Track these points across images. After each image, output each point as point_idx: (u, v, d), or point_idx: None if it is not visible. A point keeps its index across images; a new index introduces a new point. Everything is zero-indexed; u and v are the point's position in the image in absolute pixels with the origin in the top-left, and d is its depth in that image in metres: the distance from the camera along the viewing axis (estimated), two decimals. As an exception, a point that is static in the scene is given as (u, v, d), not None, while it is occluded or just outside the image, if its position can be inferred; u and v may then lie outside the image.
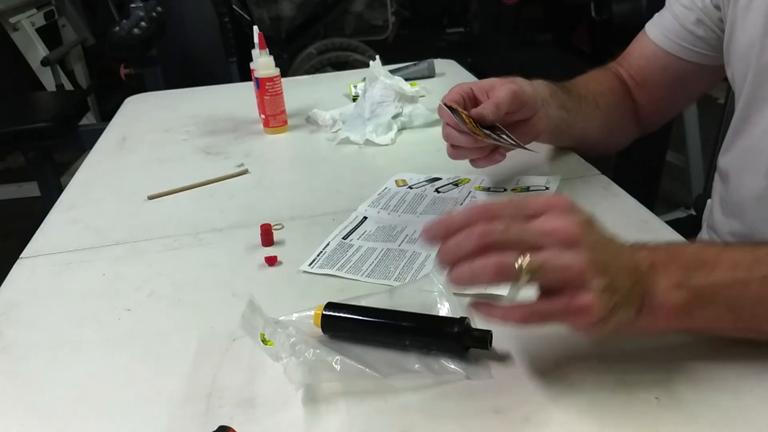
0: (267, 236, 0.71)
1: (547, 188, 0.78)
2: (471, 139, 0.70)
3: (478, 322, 0.54)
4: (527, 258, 0.41)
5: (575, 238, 0.42)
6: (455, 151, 0.74)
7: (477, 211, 0.44)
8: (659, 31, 0.84)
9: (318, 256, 0.67)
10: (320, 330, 0.54)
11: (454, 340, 0.50)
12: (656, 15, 0.86)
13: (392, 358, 0.51)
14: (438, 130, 1.03)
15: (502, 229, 0.42)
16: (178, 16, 2.53)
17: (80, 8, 3.18)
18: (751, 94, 0.73)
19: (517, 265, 0.41)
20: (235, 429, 0.44)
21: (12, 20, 2.70)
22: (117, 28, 2.17)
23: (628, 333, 0.46)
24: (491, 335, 0.50)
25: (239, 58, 2.61)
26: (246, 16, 2.74)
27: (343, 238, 0.71)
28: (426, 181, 0.84)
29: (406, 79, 1.09)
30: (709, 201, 0.87)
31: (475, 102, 0.73)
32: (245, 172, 0.92)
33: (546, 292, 0.43)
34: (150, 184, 0.89)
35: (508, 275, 0.41)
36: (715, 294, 0.46)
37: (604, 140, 0.89)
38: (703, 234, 0.87)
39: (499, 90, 0.70)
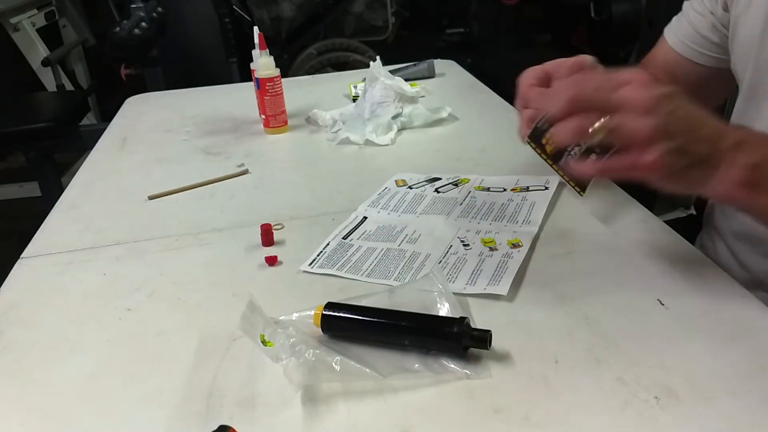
0: (267, 236, 0.71)
1: (546, 188, 0.78)
2: None
3: (477, 322, 0.54)
4: (602, 120, 0.48)
5: (650, 107, 0.47)
6: None
7: (568, 81, 0.52)
8: (677, 38, 0.85)
9: (318, 256, 0.68)
10: (320, 330, 0.54)
11: (453, 340, 0.50)
12: (674, 19, 0.86)
13: (392, 358, 0.51)
14: (438, 130, 1.04)
15: (586, 95, 0.49)
16: (179, 17, 2.53)
17: (81, 9, 3.19)
18: (752, 88, 0.73)
19: (591, 129, 0.48)
20: (235, 429, 0.44)
21: (13, 20, 2.70)
22: (117, 29, 2.17)
23: (700, 193, 0.53)
24: (491, 335, 0.50)
25: (239, 58, 2.61)
26: (246, 16, 2.73)
27: (343, 238, 0.71)
28: (426, 181, 0.84)
29: (406, 80, 1.09)
30: (710, 200, 0.87)
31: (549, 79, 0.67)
32: (245, 172, 0.92)
33: (619, 151, 0.50)
34: (150, 184, 0.89)
35: (584, 134, 0.48)
36: None
37: None
38: (705, 233, 0.88)
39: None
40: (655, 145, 0.47)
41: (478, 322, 0.55)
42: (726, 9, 0.77)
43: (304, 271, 0.65)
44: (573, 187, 0.62)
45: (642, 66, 0.90)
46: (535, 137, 0.59)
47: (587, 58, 0.65)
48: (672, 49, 0.85)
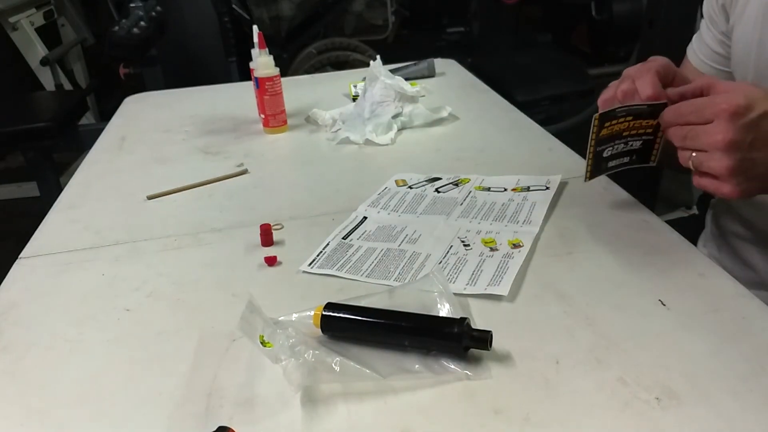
0: (267, 236, 0.71)
1: (547, 188, 0.78)
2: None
3: (478, 323, 0.54)
4: (693, 155, 0.57)
5: (729, 147, 0.53)
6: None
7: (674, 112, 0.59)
8: (697, 57, 0.85)
9: (318, 256, 0.67)
10: (320, 330, 0.54)
11: (454, 340, 0.50)
12: (694, 37, 0.86)
13: (392, 358, 0.51)
14: (438, 130, 1.04)
15: (684, 135, 0.57)
16: (178, 16, 2.52)
17: (79, 8, 3.18)
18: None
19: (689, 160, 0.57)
20: (235, 429, 0.44)
21: (11, 20, 2.70)
22: (116, 28, 2.17)
23: None
24: (491, 335, 0.50)
25: (239, 57, 2.61)
26: (246, 15, 2.73)
27: (342, 238, 0.71)
28: (426, 181, 0.84)
29: (406, 79, 1.09)
30: (713, 200, 0.87)
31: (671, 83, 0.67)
32: (245, 171, 0.92)
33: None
34: (149, 184, 0.89)
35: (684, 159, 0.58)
36: None
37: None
38: (708, 233, 0.88)
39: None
40: (728, 180, 0.55)
41: (478, 323, 0.55)
42: (728, 20, 0.77)
43: (304, 272, 0.65)
44: (587, 170, 0.67)
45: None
46: (605, 117, 0.64)
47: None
48: (694, 68, 0.85)
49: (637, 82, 0.63)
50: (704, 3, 0.81)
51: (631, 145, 0.66)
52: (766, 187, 0.56)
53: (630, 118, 0.64)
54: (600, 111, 0.64)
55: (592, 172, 0.67)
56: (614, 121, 0.64)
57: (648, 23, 1.79)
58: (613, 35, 2.80)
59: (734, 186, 0.55)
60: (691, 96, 0.60)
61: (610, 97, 0.65)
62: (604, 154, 0.67)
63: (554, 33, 3.36)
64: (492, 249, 0.66)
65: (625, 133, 0.66)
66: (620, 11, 2.73)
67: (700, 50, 0.84)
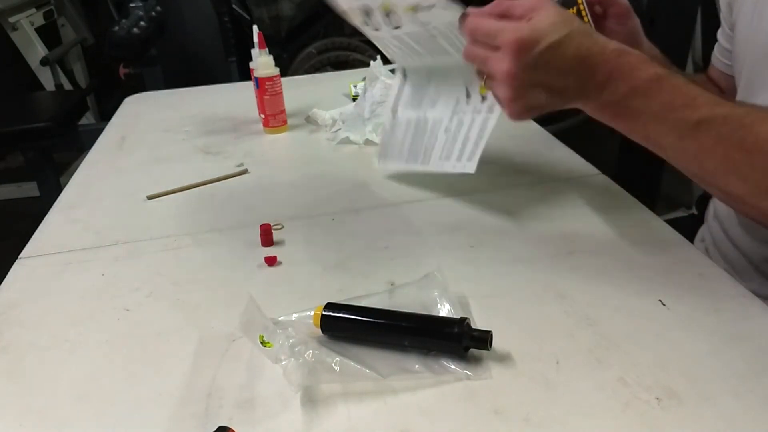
0: (267, 236, 0.71)
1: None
2: None
3: (478, 323, 0.54)
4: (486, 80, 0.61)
5: (510, 78, 0.57)
6: None
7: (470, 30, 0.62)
8: (715, 56, 0.86)
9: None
10: (320, 330, 0.54)
11: (454, 340, 0.50)
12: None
13: (392, 358, 0.51)
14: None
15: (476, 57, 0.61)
16: (178, 16, 2.53)
17: (79, 8, 3.18)
18: (748, 85, 0.74)
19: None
20: (234, 429, 0.44)
21: (11, 20, 2.70)
22: (116, 28, 2.17)
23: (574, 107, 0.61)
24: (491, 335, 0.50)
25: (239, 57, 2.61)
26: (245, 15, 2.73)
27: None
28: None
29: (406, 79, 1.08)
30: (711, 200, 0.87)
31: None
32: (245, 171, 0.92)
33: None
34: (149, 184, 0.89)
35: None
36: (638, 113, 0.57)
37: None
38: (705, 226, 0.88)
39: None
40: (511, 106, 0.59)
41: (478, 323, 0.55)
42: (731, 13, 0.78)
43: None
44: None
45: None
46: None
47: None
48: (715, 67, 0.86)
49: None
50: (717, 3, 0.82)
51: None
52: (542, 113, 0.60)
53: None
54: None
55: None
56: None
57: (649, 21, 1.79)
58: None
59: (510, 112, 0.59)
60: (493, 13, 0.62)
61: None
62: None
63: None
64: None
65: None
66: (620, 11, 2.72)
67: (717, 49, 0.85)
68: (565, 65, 0.57)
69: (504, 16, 0.60)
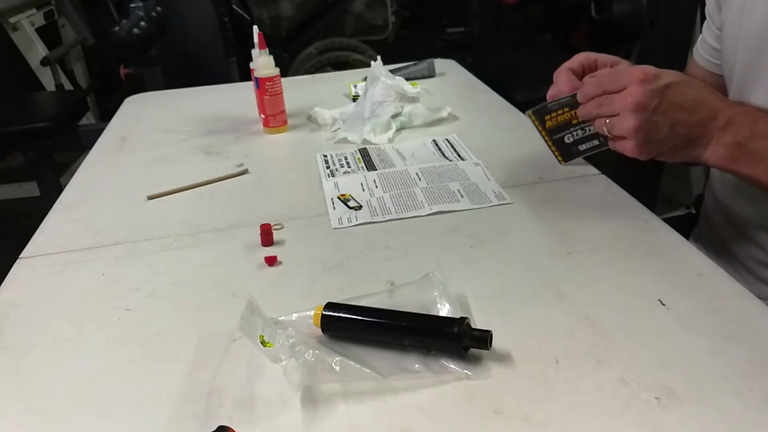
0: (267, 236, 0.71)
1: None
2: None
3: (477, 323, 0.54)
4: (606, 121, 0.63)
5: (637, 107, 0.59)
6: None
7: (589, 81, 0.67)
8: (698, 53, 0.86)
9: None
10: (320, 330, 0.54)
11: (454, 340, 0.50)
12: (700, 36, 0.87)
13: (392, 358, 0.51)
14: (438, 130, 1.04)
15: (595, 94, 0.64)
16: (178, 16, 2.52)
17: (80, 8, 3.18)
18: (738, 88, 0.74)
19: (603, 126, 0.64)
20: (234, 429, 0.44)
21: (12, 20, 2.69)
22: (117, 28, 2.17)
23: (694, 162, 0.64)
24: (491, 335, 0.50)
25: (239, 57, 2.61)
26: (246, 15, 2.73)
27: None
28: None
29: (407, 79, 1.08)
30: (706, 195, 0.88)
31: (594, 69, 0.73)
32: (245, 172, 0.92)
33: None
34: (150, 184, 0.89)
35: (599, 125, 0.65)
36: (759, 156, 0.60)
37: None
38: (699, 226, 0.88)
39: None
40: (635, 138, 0.61)
41: (478, 323, 0.55)
42: (719, 12, 0.78)
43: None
44: (557, 156, 0.75)
45: None
46: (539, 112, 0.72)
47: (613, 58, 0.73)
48: (698, 65, 0.86)
49: (556, 84, 0.71)
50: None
51: (590, 130, 0.71)
52: (662, 151, 0.62)
53: (567, 109, 0.71)
54: (531, 109, 0.73)
55: (564, 157, 0.75)
56: (553, 114, 0.72)
57: (649, 22, 1.79)
58: (613, 35, 2.79)
59: (635, 144, 0.61)
60: (578, 65, 0.69)
61: (551, 94, 0.72)
62: (566, 140, 0.73)
63: (554, 33, 3.36)
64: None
65: (574, 122, 0.71)
66: (620, 11, 2.73)
67: (702, 46, 0.85)
68: (687, 102, 0.60)
69: (591, 62, 0.69)
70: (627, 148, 0.62)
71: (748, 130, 0.60)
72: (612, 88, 0.62)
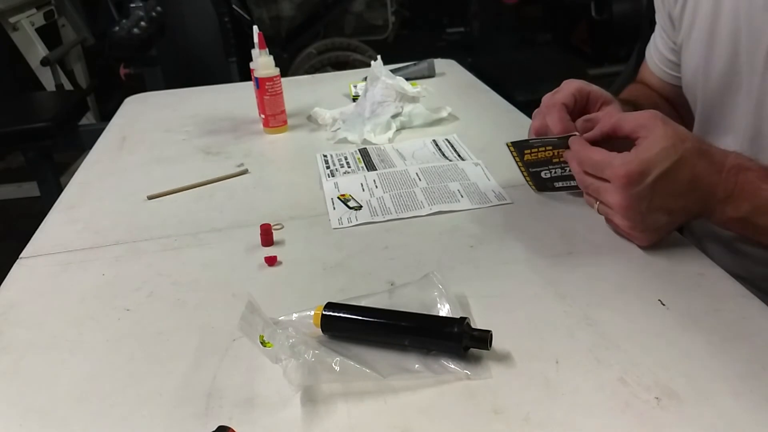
0: (267, 236, 0.71)
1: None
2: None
3: (477, 322, 0.54)
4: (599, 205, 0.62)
5: (626, 211, 0.58)
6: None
7: (575, 154, 0.63)
8: (652, 60, 0.85)
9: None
10: (320, 330, 0.54)
11: (454, 340, 0.50)
12: (651, 40, 0.86)
13: (392, 358, 0.51)
14: (438, 130, 1.04)
15: (586, 184, 0.62)
16: (178, 16, 2.53)
17: (80, 8, 3.18)
18: (703, 122, 0.73)
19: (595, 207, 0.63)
20: (235, 429, 0.44)
21: (12, 20, 2.69)
22: (117, 28, 2.17)
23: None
24: (491, 335, 0.50)
25: (239, 57, 2.61)
26: (246, 15, 2.73)
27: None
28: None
29: (407, 79, 1.08)
30: None
31: (585, 104, 0.70)
32: (245, 172, 0.92)
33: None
34: (149, 184, 0.89)
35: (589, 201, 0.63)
36: (764, 230, 0.58)
37: None
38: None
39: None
40: (634, 235, 0.60)
41: (478, 323, 0.55)
42: (676, 30, 0.77)
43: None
44: (530, 185, 0.75)
45: (637, 83, 0.90)
46: (519, 145, 0.71)
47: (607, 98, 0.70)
48: (651, 72, 0.85)
49: (547, 118, 0.67)
50: (656, 9, 0.81)
51: (569, 171, 0.68)
52: (672, 230, 0.61)
53: (550, 147, 0.69)
54: (509, 141, 0.71)
55: (537, 187, 0.74)
56: (534, 150, 0.69)
57: (648, 22, 1.80)
58: (613, 35, 2.79)
59: (635, 238, 0.60)
60: (600, 136, 0.62)
61: (535, 126, 0.70)
62: (543, 175, 0.73)
63: (554, 33, 3.36)
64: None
65: (555, 160, 0.70)
66: (620, 11, 2.73)
67: (656, 53, 0.84)
68: (681, 188, 0.56)
69: (613, 133, 0.60)
70: (634, 241, 0.61)
71: (749, 206, 0.57)
72: (595, 175, 0.59)
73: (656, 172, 0.55)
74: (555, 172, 0.71)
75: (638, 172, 0.55)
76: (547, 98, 0.69)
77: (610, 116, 0.62)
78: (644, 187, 0.55)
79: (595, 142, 0.62)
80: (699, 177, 0.56)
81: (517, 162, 0.73)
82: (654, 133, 0.56)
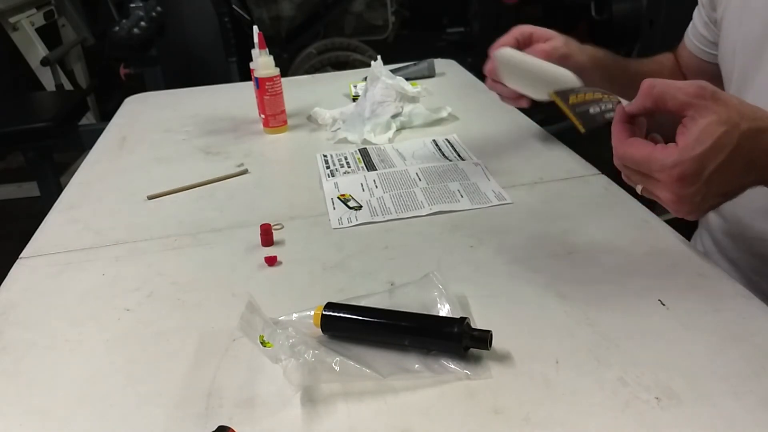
0: (267, 236, 0.71)
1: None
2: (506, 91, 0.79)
3: (477, 322, 0.54)
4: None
5: (679, 204, 0.53)
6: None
7: (619, 149, 0.57)
8: (688, 38, 0.86)
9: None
10: (320, 330, 0.54)
11: (454, 340, 0.50)
12: (691, 22, 0.87)
13: (392, 358, 0.51)
14: (438, 130, 1.04)
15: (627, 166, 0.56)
16: (178, 16, 2.52)
17: (80, 8, 3.18)
18: (742, 75, 0.74)
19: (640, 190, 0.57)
20: (235, 429, 0.44)
21: (12, 20, 2.69)
22: (117, 28, 2.17)
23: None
24: (491, 335, 0.50)
25: (239, 57, 2.61)
26: (246, 15, 2.73)
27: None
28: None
29: (407, 79, 1.08)
30: None
31: (529, 44, 0.75)
32: (245, 172, 0.92)
33: None
34: (150, 184, 0.89)
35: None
36: None
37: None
38: (698, 232, 0.88)
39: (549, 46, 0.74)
40: (686, 216, 0.55)
41: (478, 323, 0.55)
42: (713, 8, 0.78)
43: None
44: (578, 125, 0.68)
45: (675, 63, 0.92)
46: (564, 94, 0.67)
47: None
48: (690, 52, 0.86)
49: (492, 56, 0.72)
50: None
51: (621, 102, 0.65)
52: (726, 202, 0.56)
53: (598, 92, 0.65)
54: (555, 90, 0.68)
55: (585, 125, 0.67)
56: (580, 94, 0.66)
57: (648, 22, 1.80)
58: (613, 35, 2.79)
59: (689, 217, 0.55)
60: (641, 111, 0.57)
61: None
62: (591, 111, 0.67)
63: (554, 33, 3.36)
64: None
65: (605, 98, 0.65)
66: (620, 11, 2.73)
67: (693, 33, 0.85)
68: (737, 173, 0.52)
69: (657, 107, 0.54)
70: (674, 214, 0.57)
71: None
72: (644, 172, 0.54)
73: (711, 167, 0.50)
74: (606, 107, 0.66)
75: (692, 173, 0.50)
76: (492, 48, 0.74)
77: (650, 86, 0.55)
78: (699, 185, 0.51)
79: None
80: (757, 159, 0.52)
81: (561, 106, 0.68)
82: (706, 118, 0.50)
